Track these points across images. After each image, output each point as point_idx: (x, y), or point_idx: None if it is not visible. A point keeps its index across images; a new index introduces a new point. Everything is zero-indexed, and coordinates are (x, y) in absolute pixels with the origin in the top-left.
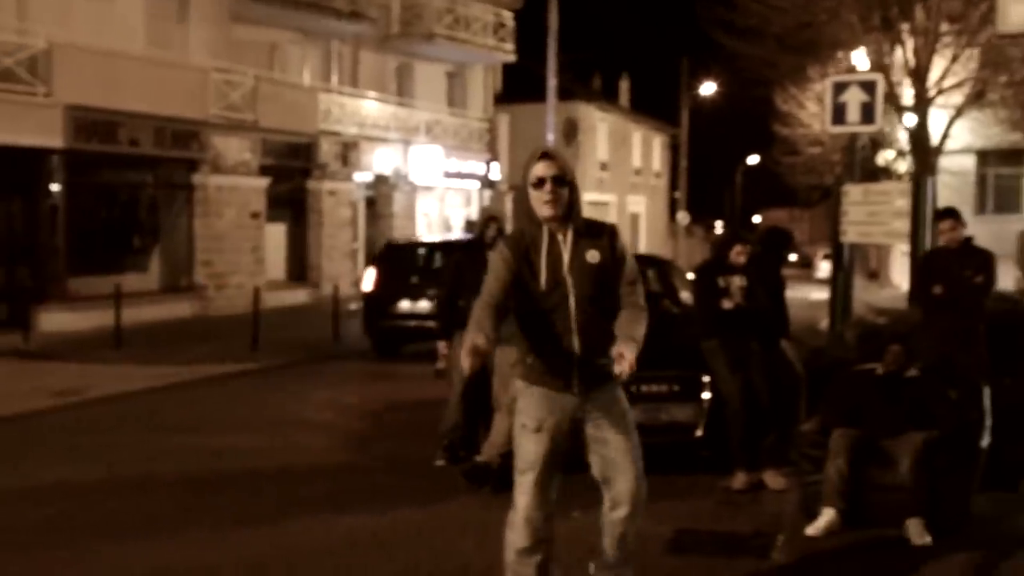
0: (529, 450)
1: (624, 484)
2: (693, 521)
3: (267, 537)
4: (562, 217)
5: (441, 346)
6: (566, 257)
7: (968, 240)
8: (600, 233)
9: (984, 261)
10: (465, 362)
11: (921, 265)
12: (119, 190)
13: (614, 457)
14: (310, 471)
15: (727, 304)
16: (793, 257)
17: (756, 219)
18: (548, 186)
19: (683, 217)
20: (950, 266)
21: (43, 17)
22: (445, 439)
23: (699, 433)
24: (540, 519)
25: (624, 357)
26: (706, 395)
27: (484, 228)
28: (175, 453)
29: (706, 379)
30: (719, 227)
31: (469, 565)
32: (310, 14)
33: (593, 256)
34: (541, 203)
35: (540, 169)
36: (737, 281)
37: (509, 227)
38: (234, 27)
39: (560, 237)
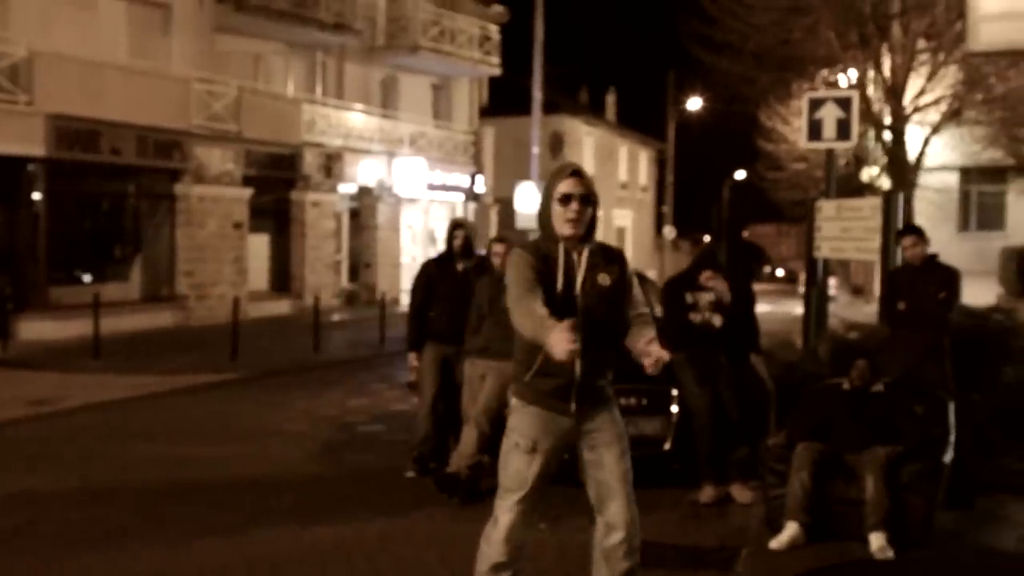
0: (520, 470)
1: (618, 508)
2: (658, 534)
3: (231, 547)
4: (581, 237)
5: (411, 358)
6: (580, 277)
7: (933, 257)
8: (613, 259)
9: (948, 277)
10: (568, 354)
11: (887, 281)
12: (101, 199)
13: (608, 480)
14: (280, 481)
15: (695, 318)
16: (780, 272)
17: (744, 234)
18: (574, 204)
19: (669, 231)
20: (914, 282)
21: (25, 26)
22: (415, 451)
23: (667, 446)
24: (522, 537)
25: (653, 350)
26: (674, 409)
27: (451, 237)
28: (147, 463)
29: (675, 393)
30: (707, 241)
31: None
32: (294, 25)
33: (604, 279)
34: (564, 220)
35: (568, 186)
36: (706, 296)
37: (482, 239)
38: (218, 38)
39: (575, 256)
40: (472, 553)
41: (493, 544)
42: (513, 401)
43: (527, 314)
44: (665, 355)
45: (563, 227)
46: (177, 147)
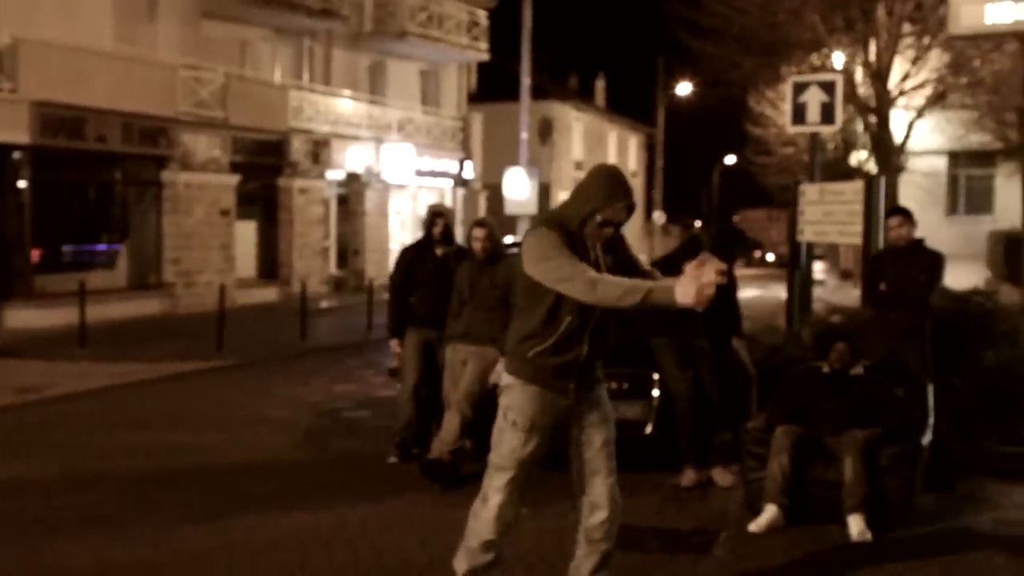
0: (515, 448)
1: (602, 486)
2: (637, 518)
3: (211, 534)
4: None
5: (393, 344)
6: (600, 261)
7: (919, 241)
8: (615, 242)
9: (931, 261)
10: (712, 287)
11: (870, 263)
12: (87, 187)
13: (594, 461)
14: (262, 468)
15: None
16: (771, 257)
17: (735, 219)
18: (610, 230)
19: (659, 216)
20: (898, 264)
21: (8, 12)
22: (397, 436)
23: (648, 430)
24: (512, 516)
25: (705, 263)
26: (655, 392)
27: (431, 224)
28: (130, 450)
29: (656, 376)
30: (697, 227)
31: (409, 562)
32: (281, 11)
33: (609, 262)
34: (595, 237)
35: (615, 214)
36: None
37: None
38: (204, 24)
39: (591, 243)
40: (453, 538)
41: (482, 522)
42: (509, 379)
43: (608, 282)
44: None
45: (591, 238)
46: (163, 134)
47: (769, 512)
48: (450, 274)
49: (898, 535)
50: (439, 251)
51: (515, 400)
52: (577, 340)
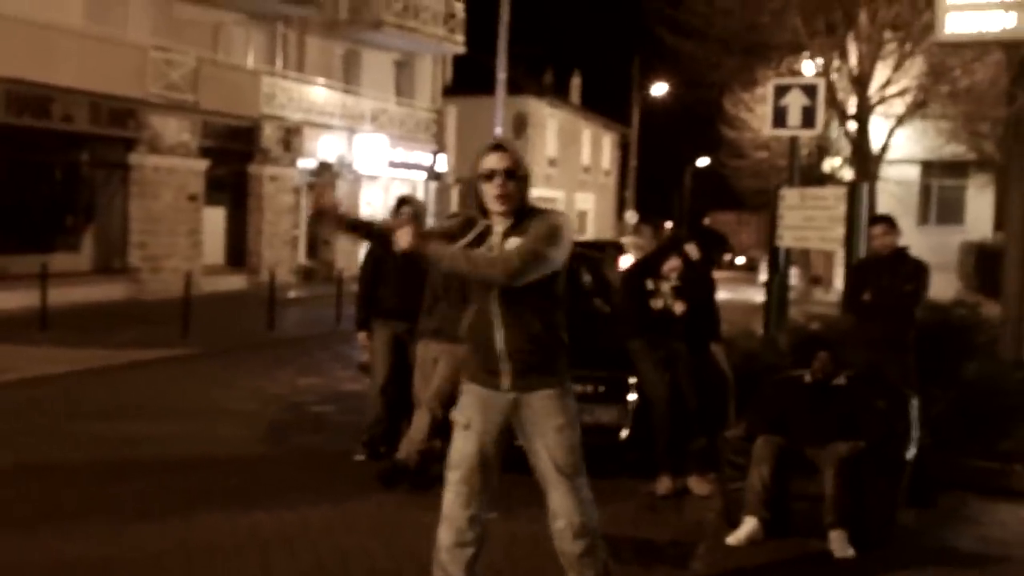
0: (457, 447)
1: (556, 496)
2: (612, 526)
3: (169, 532)
4: (510, 212)
5: (361, 337)
6: (495, 245)
7: (902, 250)
8: (532, 220)
9: (916, 270)
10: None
11: (853, 272)
12: (52, 167)
13: (543, 470)
14: (224, 463)
15: (656, 304)
16: (740, 260)
17: (705, 221)
18: (498, 180)
19: (631, 216)
20: (881, 273)
21: None
22: (365, 434)
23: (624, 435)
24: (463, 519)
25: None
26: (632, 397)
27: (397, 214)
28: (87, 440)
29: (632, 380)
30: (668, 228)
31: (375, 567)
32: None
33: (513, 243)
34: (491, 197)
35: (491, 161)
36: (667, 283)
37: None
38: (176, 6)
39: (498, 228)
40: (419, 542)
41: (441, 526)
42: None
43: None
44: (405, 236)
45: (492, 204)
46: (132, 116)
47: (749, 525)
48: (420, 266)
49: (881, 553)
50: None
51: (461, 399)
52: (486, 333)
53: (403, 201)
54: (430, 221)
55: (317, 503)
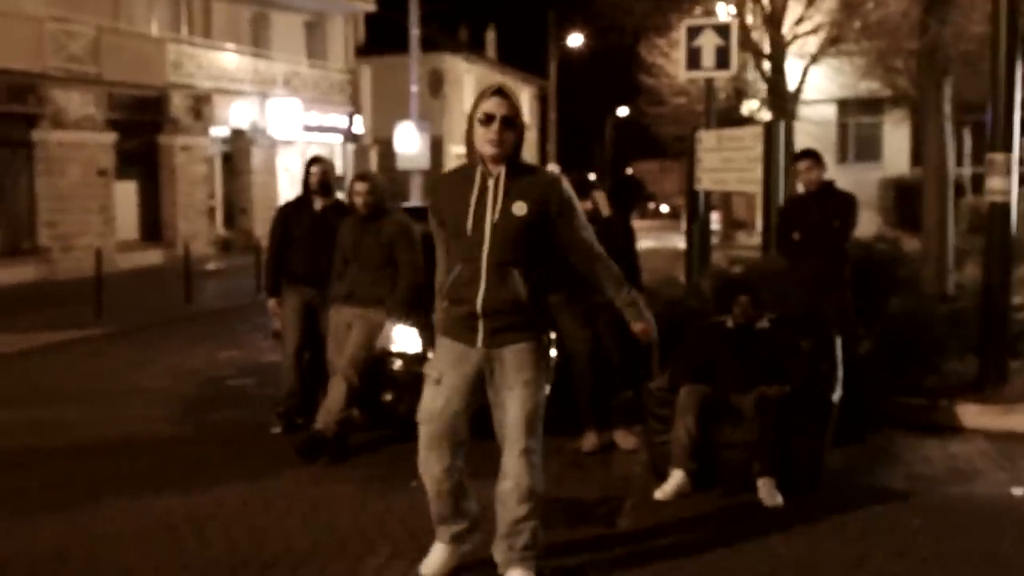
0: (426, 400)
1: (509, 454)
2: None
3: (74, 522)
4: (503, 159)
5: (271, 304)
6: (490, 205)
7: (829, 183)
8: (536, 184)
9: (844, 204)
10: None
11: (781, 211)
12: None
13: (507, 424)
14: (136, 444)
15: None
16: (664, 208)
17: (628, 171)
18: (496, 125)
19: (553, 168)
20: (810, 210)
21: None
22: (280, 406)
23: (545, 392)
24: (439, 470)
25: (645, 329)
26: (552, 352)
27: (307, 174)
28: None
29: (552, 336)
30: (592, 178)
31: (291, 547)
32: None
33: (520, 208)
34: (484, 140)
35: (491, 106)
36: None
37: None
38: None
39: (491, 183)
40: (337, 517)
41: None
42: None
43: None
44: (649, 332)
45: (484, 147)
46: (32, 91)
47: (676, 477)
48: (330, 229)
49: (811, 498)
50: (318, 204)
51: (434, 353)
52: (468, 289)
53: (314, 160)
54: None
55: (232, 482)
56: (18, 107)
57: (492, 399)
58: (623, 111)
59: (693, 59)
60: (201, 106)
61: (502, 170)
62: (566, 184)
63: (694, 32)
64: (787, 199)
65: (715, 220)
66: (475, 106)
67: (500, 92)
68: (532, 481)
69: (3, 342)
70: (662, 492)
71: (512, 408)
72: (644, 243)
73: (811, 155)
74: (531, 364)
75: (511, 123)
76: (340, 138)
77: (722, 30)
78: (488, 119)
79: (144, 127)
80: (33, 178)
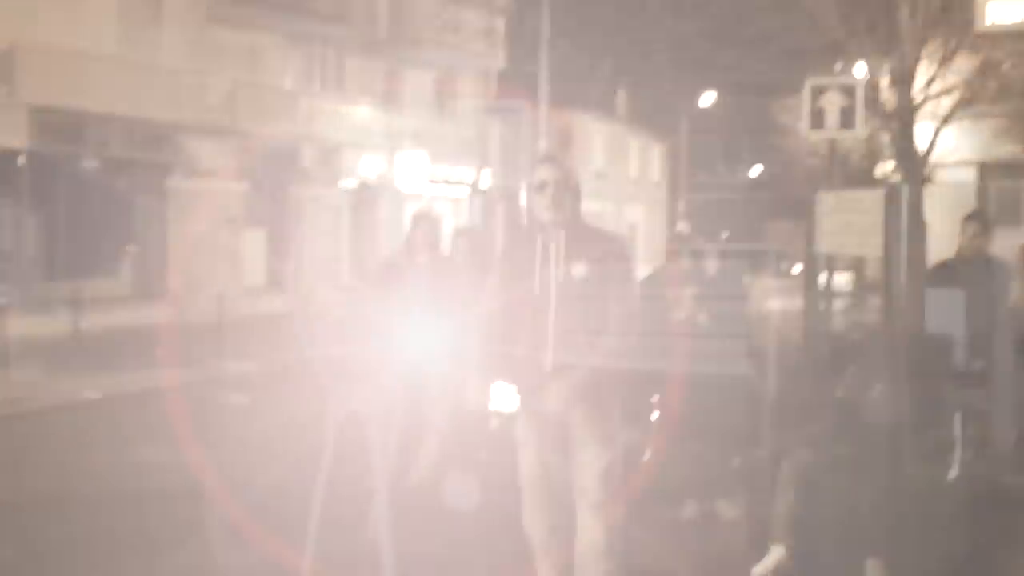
0: (521, 465)
1: (584, 510)
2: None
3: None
4: (562, 223)
5: None
6: (553, 267)
7: (991, 257)
8: (597, 245)
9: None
10: None
11: (927, 278)
12: (88, 193)
13: (579, 486)
14: None
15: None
16: (797, 268)
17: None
18: (549, 190)
19: (684, 227)
20: (960, 280)
21: (9, 16)
22: None
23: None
24: (544, 530)
25: None
26: (655, 416)
27: (414, 229)
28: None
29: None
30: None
31: None
32: (291, 16)
33: (580, 269)
34: (542, 207)
35: (543, 173)
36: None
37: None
38: (211, 28)
39: (553, 245)
40: None
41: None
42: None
43: None
44: None
45: (543, 213)
46: (167, 140)
47: (775, 554)
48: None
49: None
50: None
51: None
52: (536, 350)
53: (420, 217)
54: (446, 234)
55: None
56: (154, 155)
57: (568, 459)
58: (756, 170)
59: (816, 119)
60: (331, 158)
61: (563, 234)
62: (625, 245)
63: (818, 91)
64: (938, 264)
65: (846, 282)
66: (531, 175)
67: (550, 159)
68: (609, 541)
69: (125, 381)
70: (762, 568)
71: (588, 459)
72: (775, 304)
73: (981, 219)
74: (610, 424)
75: (565, 187)
76: (467, 191)
77: (848, 89)
78: (542, 185)
79: (275, 177)
80: (165, 224)
